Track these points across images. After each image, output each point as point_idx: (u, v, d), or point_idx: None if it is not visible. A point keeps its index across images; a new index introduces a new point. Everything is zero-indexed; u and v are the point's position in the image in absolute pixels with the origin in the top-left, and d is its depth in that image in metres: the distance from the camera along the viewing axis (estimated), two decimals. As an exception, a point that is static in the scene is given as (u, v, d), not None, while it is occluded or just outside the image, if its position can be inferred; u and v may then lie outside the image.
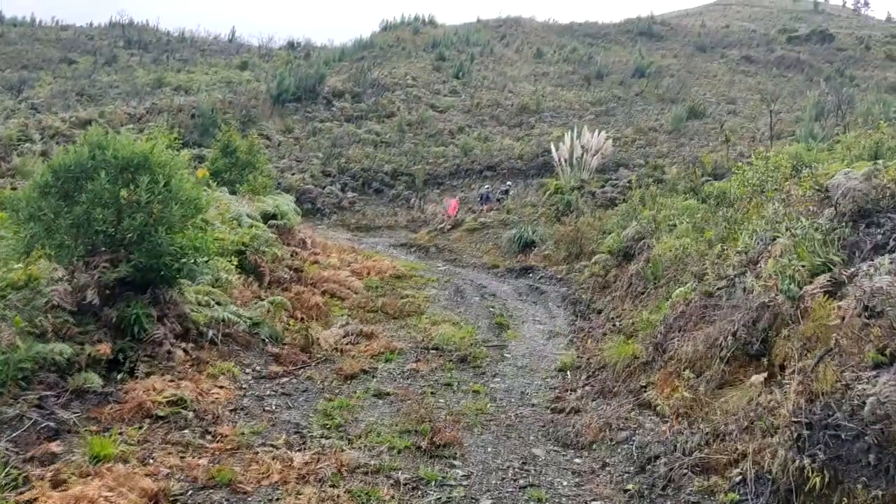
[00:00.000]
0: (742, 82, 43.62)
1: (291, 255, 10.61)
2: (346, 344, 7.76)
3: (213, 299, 6.96)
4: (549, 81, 41.20)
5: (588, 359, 7.26)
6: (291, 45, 55.61)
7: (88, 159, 5.51)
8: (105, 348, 5.38)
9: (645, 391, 5.42)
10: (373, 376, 6.82)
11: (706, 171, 15.03)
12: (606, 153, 20.18)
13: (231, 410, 5.48)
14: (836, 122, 16.19)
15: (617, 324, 7.80)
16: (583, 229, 13.81)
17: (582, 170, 19.51)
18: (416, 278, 12.33)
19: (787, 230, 4.82)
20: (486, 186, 21.49)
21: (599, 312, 9.55)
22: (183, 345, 6.11)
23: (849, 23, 71.10)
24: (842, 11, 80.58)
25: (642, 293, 8.04)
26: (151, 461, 4.37)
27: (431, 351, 7.82)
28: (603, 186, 19.03)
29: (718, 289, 5.46)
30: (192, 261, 5.95)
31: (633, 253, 9.87)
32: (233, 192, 13.32)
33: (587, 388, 6.28)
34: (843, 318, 3.48)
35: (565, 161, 19.51)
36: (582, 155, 19.63)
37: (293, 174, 23.04)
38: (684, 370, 5.07)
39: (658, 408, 4.91)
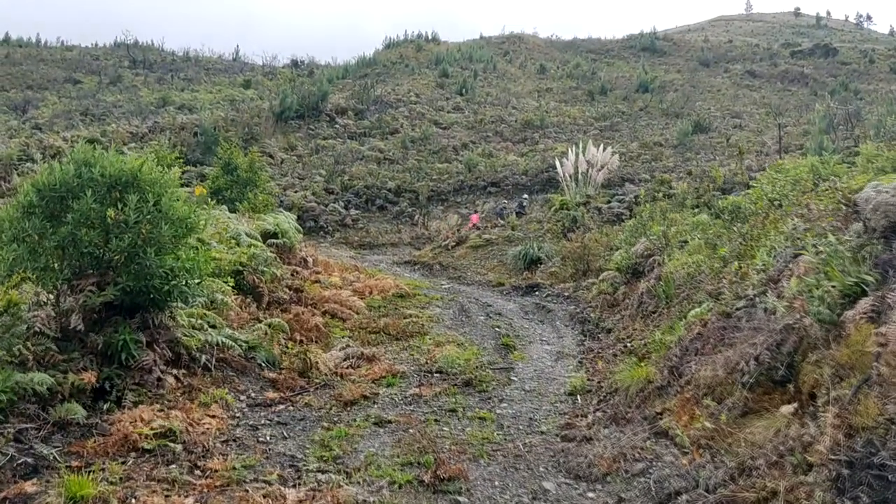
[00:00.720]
0: (746, 97, 43.49)
1: (292, 275, 10.33)
2: (347, 367, 7.46)
3: (207, 322, 6.68)
4: (552, 97, 41.11)
5: (599, 382, 6.95)
6: (295, 64, 55.72)
7: (74, 177, 5.26)
8: (90, 377, 5.10)
9: (661, 418, 5.11)
10: (374, 402, 6.52)
11: (716, 185, 14.74)
12: (612, 168, 19.93)
13: (223, 442, 5.18)
14: (845, 135, 15.90)
15: (628, 345, 7.49)
16: (590, 245, 13.53)
17: (587, 185, 19.26)
18: (420, 297, 12.04)
19: (812, 247, 4.52)
20: (504, 201, 21.35)
21: (609, 332, 9.24)
22: (174, 371, 5.82)
23: (851, 37, 71.07)
24: (844, 26, 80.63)
25: (654, 312, 7.74)
26: (133, 501, 4.07)
27: (435, 374, 7.52)
28: (609, 202, 18.76)
29: (737, 309, 5.16)
30: (184, 283, 5.67)
31: (643, 270, 9.58)
32: (233, 211, 13.10)
33: (599, 413, 5.97)
34: (885, 345, 3.17)
35: (570, 176, 19.27)
36: (587, 170, 19.39)
37: (296, 192, 22.84)
38: (703, 397, 4.76)
39: (677, 438, 4.59)
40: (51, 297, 5.40)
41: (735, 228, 6.73)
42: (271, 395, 6.40)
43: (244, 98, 41.35)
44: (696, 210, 13.80)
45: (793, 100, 42.24)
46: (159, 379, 5.57)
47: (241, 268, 8.64)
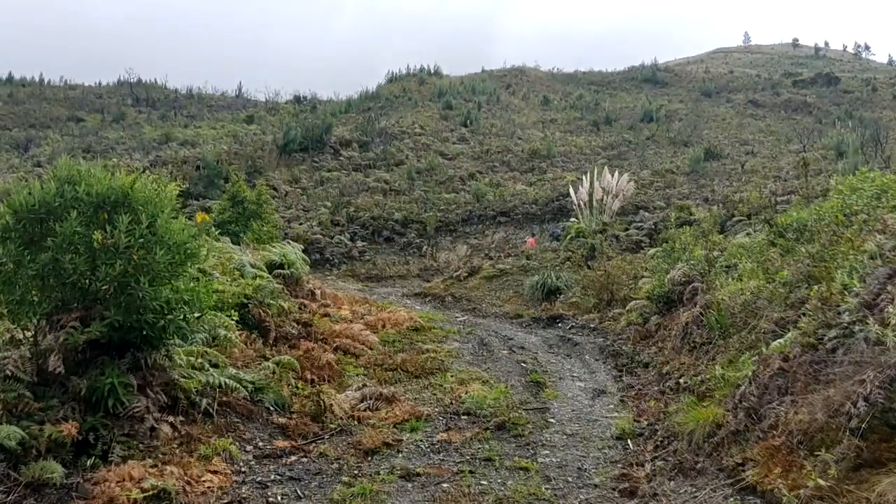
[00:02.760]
0: (751, 125, 43.09)
1: (299, 308, 9.59)
2: (364, 410, 6.67)
3: (209, 361, 5.92)
4: (557, 128, 40.72)
5: (650, 424, 6.16)
6: (297, 99, 55.56)
7: (56, 197, 4.57)
8: (71, 428, 4.34)
9: (743, 470, 4.32)
10: (398, 451, 5.74)
11: (751, 207, 14.07)
12: (628, 195, 19.29)
13: None
14: (876, 156, 15.27)
15: (679, 381, 6.70)
16: (613, 274, 12.79)
17: (603, 213, 18.60)
18: (436, 330, 11.27)
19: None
20: (560, 225, 20.80)
21: (647, 366, 8.45)
22: (170, 419, 5.06)
23: (851, 66, 71.10)
24: (843, 56, 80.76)
25: (704, 345, 6.97)
26: (116, 587, 3.29)
27: (463, 416, 6.73)
28: (627, 229, 18.07)
29: (829, 340, 4.41)
30: (182, 317, 4.94)
31: (682, 298, 8.82)
32: (236, 242, 12.45)
33: (659, 462, 5.18)
34: None
35: (585, 204, 18.61)
36: (602, 197, 18.75)
37: (300, 224, 22.19)
38: (798, 445, 3.99)
39: (779, 498, 3.79)
40: (27, 334, 4.67)
41: (803, 248, 6.02)
42: (281, 443, 5.62)
43: (247, 133, 41.02)
44: (723, 234, 13.10)
45: (798, 128, 41.82)
46: (153, 428, 4.80)
47: (245, 300, 7.91)
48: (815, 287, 4.99)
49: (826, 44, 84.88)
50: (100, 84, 60.19)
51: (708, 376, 5.92)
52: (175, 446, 4.88)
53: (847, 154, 20.73)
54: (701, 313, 7.37)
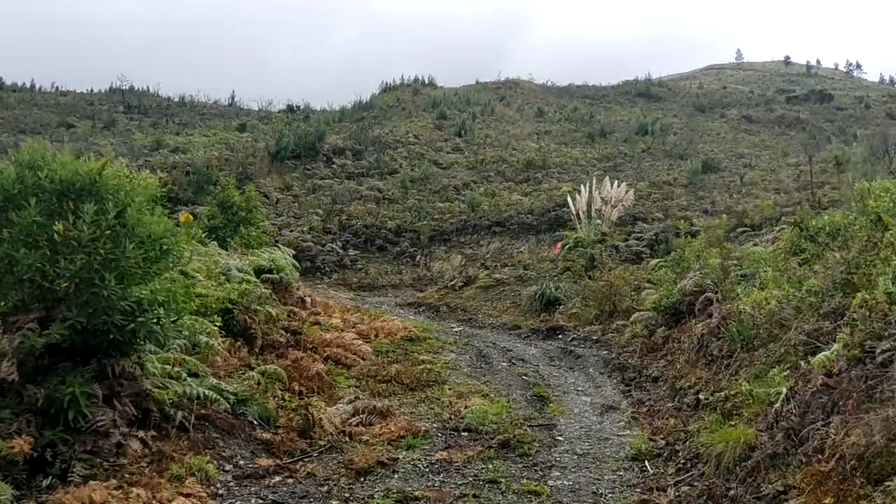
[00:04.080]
0: (746, 140, 42.91)
1: (288, 315, 9.06)
2: (357, 425, 6.14)
3: (187, 370, 5.39)
4: (552, 139, 40.37)
5: (668, 444, 5.66)
6: (291, 108, 55.05)
7: (16, 183, 4.06)
8: (23, 443, 3.81)
9: (786, 499, 3.83)
10: (393, 471, 5.21)
11: (752, 219, 13.66)
12: (627, 204, 18.88)
13: (200, 531, 3.88)
14: (882, 167, 14.94)
15: (698, 397, 6.21)
16: (615, 284, 12.32)
17: (602, 223, 18.17)
18: (431, 341, 10.75)
19: None
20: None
21: (656, 381, 7.97)
22: (140, 433, 4.53)
23: (843, 84, 71.28)
24: (834, 73, 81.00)
25: (724, 357, 6.48)
26: None
27: (463, 433, 6.21)
28: (626, 240, 17.63)
29: (882, 352, 3.94)
30: (155, 320, 4.42)
31: (693, 309, 8.35)
32: (224, 247, 11.93)
33: (684, 487, 4.68)
34: None
35: (583, 213, 18.18)
36: (601, 207, 18.33)
37: (291, 231, 21.64)
38: (853, 471, 3.50)
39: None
40: (-21, 337, 4.13)
41: (836, 254, 5.55)
42: (265, 461, 5.09)
43: (239, 140, 40.51)
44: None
45: (793, 143, 41.69)
46: (119, 444, 4.27)
47: (230, 306, 7.39)
48: (858, 295, 4.52)
49: (818, 61, 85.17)
50: (91, 91, 59.55)
51: (732, 392, 5.43)
52: (144, 465, 4.35)
53: (847, 167, 20.42)
54: (719, 324, 6.90)
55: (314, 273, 19.33)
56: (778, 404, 4.52)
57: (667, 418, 6.25)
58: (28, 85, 58.80)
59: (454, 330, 12.62)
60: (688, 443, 5.38)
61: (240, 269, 9.03)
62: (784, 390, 4.56)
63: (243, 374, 6.42)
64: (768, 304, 5.95)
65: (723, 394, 5.59)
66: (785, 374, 4.85)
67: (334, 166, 30.03)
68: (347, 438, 5.84)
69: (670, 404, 6.66)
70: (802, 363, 4.67)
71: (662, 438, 5.85)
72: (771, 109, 53.25)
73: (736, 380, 5.70)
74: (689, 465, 5.02)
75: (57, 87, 59.85)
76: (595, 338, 11.20)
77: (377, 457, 5.38)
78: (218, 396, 5.33)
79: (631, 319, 10.65)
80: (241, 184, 24.37)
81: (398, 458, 5.45)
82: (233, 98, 61.89)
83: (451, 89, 54.99)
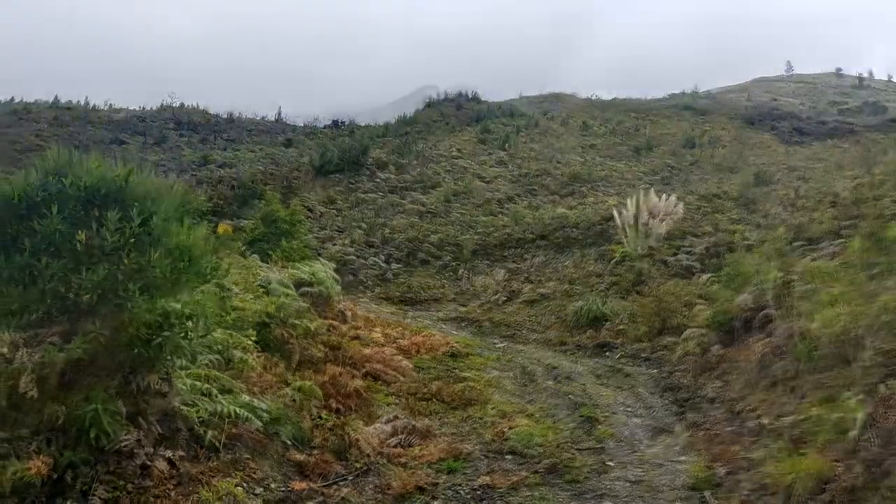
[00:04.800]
0: (798, 152, 41.71)
1: (328, 330, 8.86)
2: (395, 446, 5.86)
3: (219, 387, 5.18)
4: (597, 153, 39.83)
5: (729, 472, 5.23)
6: (336, 124, 55.57)
7: (39, 190, 3.91)
8: (41, 464, 3.61)
9: (870, 540, 3.40)
10: (432, 496, 4.92)
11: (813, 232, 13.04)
12: (676, 218, 18.30)
13: (225, 562, 3.62)
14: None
15: (761, 421, 5.76)
16: (665, 300, 11.84)
17: (648, 236, 17.62)
18: (474, 357, 10.44)
19: None
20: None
21: (712, 402, 7.51)
22: (168, 453, 4.31)
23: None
24: (887, 86, 78.49)
25: (789, 379, 6.02)
26: None
27: (507, 456, 5.88)
28: (675, 254, 17.04)
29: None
30: (183, 334, 4.21)
31: (750, 326, 7.87)
32: (265, 260, 11.85)
33: (751, 522, 4.26)
34: None
35: (630, 227, 17.67)
36: (647, 221, 17.79)
37: (334, 245, 21.59)
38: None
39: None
40: (2, 350, 3.97)
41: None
42: (298, 485, 4.84)
43: (284, 155, 40.94)
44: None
45: (847, 155, 40.34)
46: (144, 466, 4.06)
47: (267, 319, 7.21)
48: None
49: (870, 73, 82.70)
50: (143, 108, 61.05)
51: (800, 417, 4.99)
52: (170, 487, 4.13)
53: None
54: (782, 343, 6.43)
55: (356, 287, 19.19)
56: (855, 432, 4.09)
57: (727, 444, 5.82)
58: (83, 103, 60.56)
59: (497, 346, 12.27)
60: (752, 472, 4.95)
61: (279, 282, 8.88)
62: (861, 416, 4.13)
63: (278, 390, 6.20)
64: (838, 321, 5.49)
65: (789, 419, 5.15)
66: (861, 398, 4.41)
67: (378, 180, 30.03)
68: (385, 460, 5.57)
69: (729, 429, 6.21)
70: (882, 387, 4.23)
71: (722, 466, 5.41)
72: (823, 122, 51.73)
73: (804, 404, 5.26)
74: (754, 498, 4.60)
75: (110, 105, 61.50)
76: (644, 355, 10.73)
77: (416, 481, 5.09)
78: (250, 415, 5.10)
79: (682, 336, 10.18)
80: (285, 198, 24.52)
81: (438, 483, 5.15)
82: (279, 114, 62.79)
83: (496, 103, 54.85)
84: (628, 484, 5.31)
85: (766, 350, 6.73)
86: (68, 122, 53.58)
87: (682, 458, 5.98)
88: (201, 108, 61.23)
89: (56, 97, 59.09)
